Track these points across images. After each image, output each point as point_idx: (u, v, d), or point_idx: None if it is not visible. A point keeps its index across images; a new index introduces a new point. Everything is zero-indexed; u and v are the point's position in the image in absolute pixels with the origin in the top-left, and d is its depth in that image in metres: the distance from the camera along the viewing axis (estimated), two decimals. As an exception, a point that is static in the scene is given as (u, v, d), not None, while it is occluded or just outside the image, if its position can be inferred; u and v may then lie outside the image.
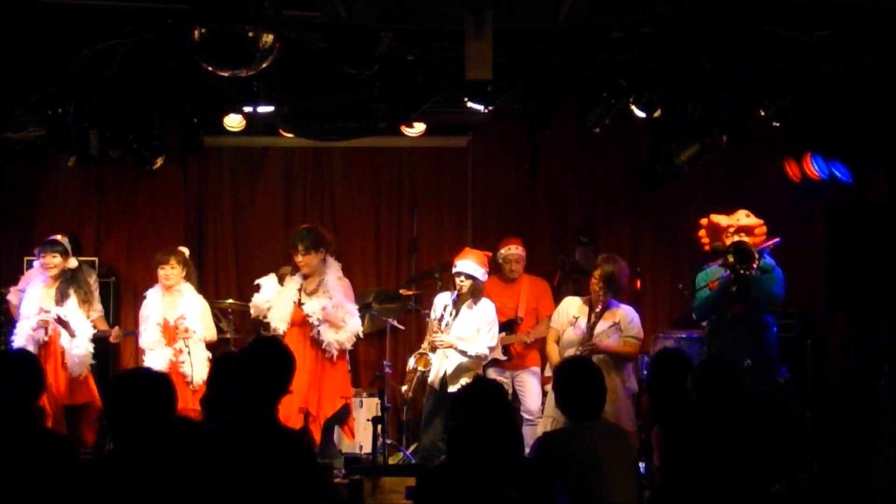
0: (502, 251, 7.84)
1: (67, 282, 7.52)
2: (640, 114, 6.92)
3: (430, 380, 7.32)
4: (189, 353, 7.31)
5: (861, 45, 5.98)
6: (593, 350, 6.74)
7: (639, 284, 8.09)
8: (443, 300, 7.42)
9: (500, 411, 4.40)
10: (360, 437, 8.07)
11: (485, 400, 4.44)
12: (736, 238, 6.84)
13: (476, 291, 7.28)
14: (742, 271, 6.59)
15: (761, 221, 7.02)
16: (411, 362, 7.43)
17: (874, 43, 5.95)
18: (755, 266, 6.60)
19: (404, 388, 7.53)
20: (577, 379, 4.61)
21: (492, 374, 7.69)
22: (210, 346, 7.59)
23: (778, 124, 6.92)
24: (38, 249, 7.57)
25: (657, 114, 6.91)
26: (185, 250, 7.69)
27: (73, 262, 7.58)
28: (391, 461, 7.59)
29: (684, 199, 8.74)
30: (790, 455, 3.52)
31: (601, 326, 6.87)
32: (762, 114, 6.87)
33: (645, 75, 6.84)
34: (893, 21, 5.72)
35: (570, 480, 4.32)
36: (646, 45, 6.35)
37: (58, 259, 7.48)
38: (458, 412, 4.47)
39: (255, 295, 7.47)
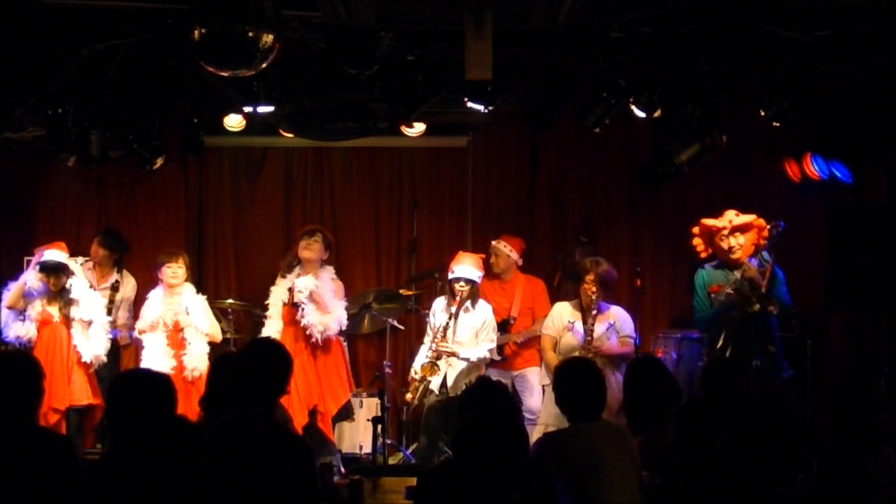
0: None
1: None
2: (640, 114, 6.91)
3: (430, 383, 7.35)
4: (189, 343, 7.38)
5: (861, 45, 5.97)
6: (597, 353, 6.77)
7: (638, 284, 8.09)
8: (441, 305, 7.46)
9: (505, 411, 4.40)
10: (360, 437, 8.07)
11: (490, 399, 4.45)
12: (733, 242, 6.99)
13: (473, 295, 7.32)
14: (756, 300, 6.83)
15: (754, 216, 7.08)
16: (416, 371, 7.42)
17: (874, 43, 5.94)
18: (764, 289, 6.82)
19: (408, 395, 7.51)
20: (577, 379, 4.61)
21: (492, 374, 7.69)
22: (210, 346, 7.58)
23: (778, 124, 6.91)
24: (39, 266, 7.46)
25: (657, 114, 6.90)
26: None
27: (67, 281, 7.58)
28: (391, 461, 7.59)
29: (684, 199, 8.73)
30: (795, 456, 3.52)
31: (599, 328, 6.91)
32: (762, 114, 6.86)
33: (645, 75, 6.84)
34: (893, 21, 5.72)
35: (570, 481, 4.32)
36: (646, 45, 6.35)
37: (63, 280, 7.48)
38: (464, 412, 4.47)
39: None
